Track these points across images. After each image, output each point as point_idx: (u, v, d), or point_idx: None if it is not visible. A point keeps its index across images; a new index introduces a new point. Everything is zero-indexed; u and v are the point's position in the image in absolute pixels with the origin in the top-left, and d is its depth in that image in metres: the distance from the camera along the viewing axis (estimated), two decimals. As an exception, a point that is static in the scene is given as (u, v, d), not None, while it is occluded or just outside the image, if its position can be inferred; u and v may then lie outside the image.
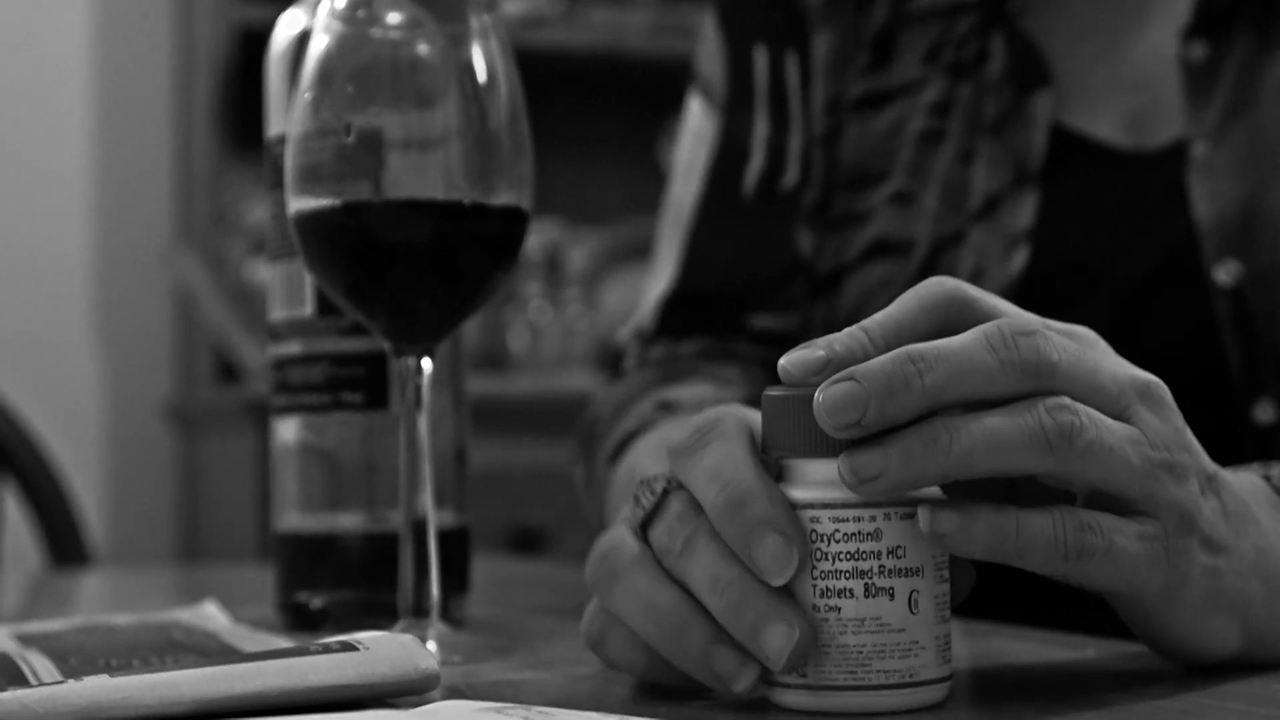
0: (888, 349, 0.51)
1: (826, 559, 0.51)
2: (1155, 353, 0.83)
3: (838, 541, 0.51)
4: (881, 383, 0.49)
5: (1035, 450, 0.50)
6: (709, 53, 1.02)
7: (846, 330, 0.52)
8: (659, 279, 1.02)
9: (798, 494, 0.51)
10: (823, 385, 0.50)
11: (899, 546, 0.51)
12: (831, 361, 0.51)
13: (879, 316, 0.52)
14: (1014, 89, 0.90)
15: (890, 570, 0.50)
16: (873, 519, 0.50)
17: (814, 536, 0.51)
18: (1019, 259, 0.87)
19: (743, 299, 0.97)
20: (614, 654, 0.56)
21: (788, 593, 0.51)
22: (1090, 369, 0.52)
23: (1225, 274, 0.84)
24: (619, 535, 0.56)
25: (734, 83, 1.00)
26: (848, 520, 0.51)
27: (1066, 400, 0.51)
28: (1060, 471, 0.51)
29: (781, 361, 0.52)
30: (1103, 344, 0.55)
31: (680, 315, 0.99)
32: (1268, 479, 0.60)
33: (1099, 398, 0.52)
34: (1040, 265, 0.87)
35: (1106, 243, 0.88)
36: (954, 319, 0.53)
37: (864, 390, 0.49)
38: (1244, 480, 0.59)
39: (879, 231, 0.92)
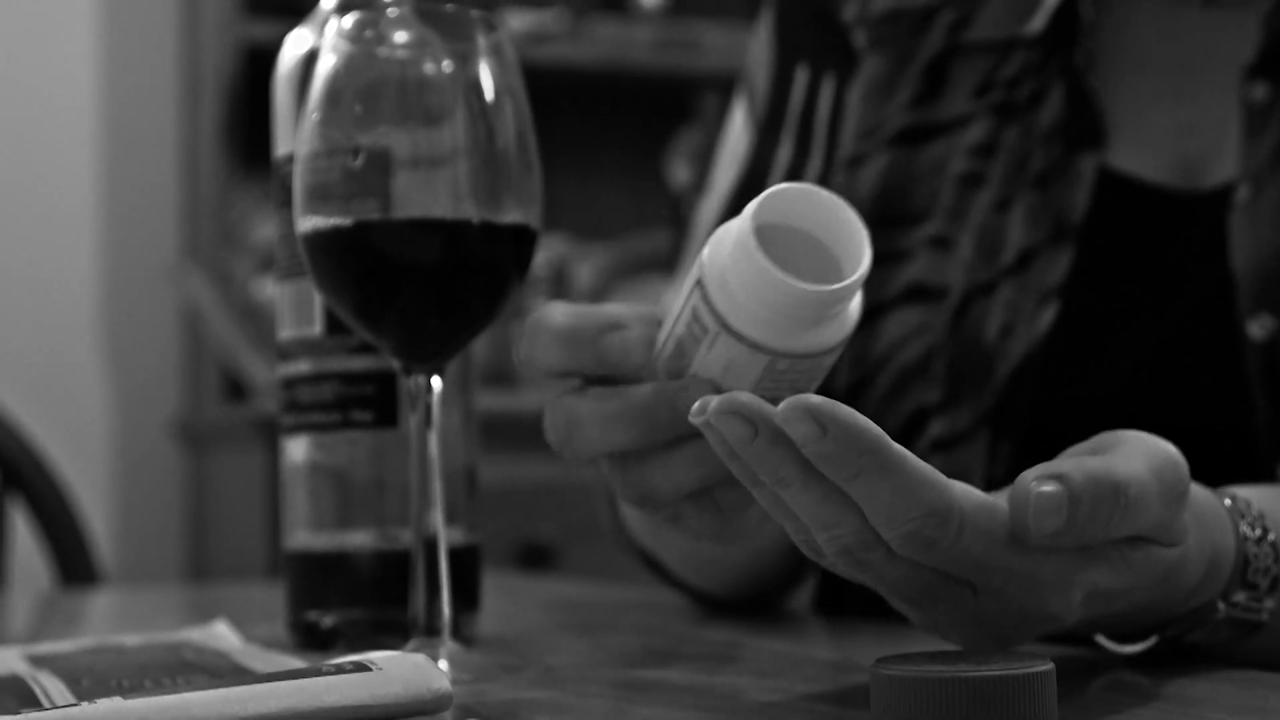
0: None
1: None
2: (1181, 407, 0.82)
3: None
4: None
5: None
6: (758, 58, 1.01)
7: (1108, 483, 0.54)
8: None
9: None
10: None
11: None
12: (1076, 522, 0.54)
13: (1136, 488, 0.55)
14: (1064, 143, 0.87)
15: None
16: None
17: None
18: (1048, 315, 0.84)
19: None
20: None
21: None
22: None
23: (1259, 328, 0.80)
24: None
25: (773, 99, 0.98)
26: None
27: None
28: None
29: (1033, 498, 0.54)
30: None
31: None
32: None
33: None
34: (1070, 319, 0.85)
35: (1140, 293, 0.85)
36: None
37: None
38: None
39: (917, 274, 0.90)
